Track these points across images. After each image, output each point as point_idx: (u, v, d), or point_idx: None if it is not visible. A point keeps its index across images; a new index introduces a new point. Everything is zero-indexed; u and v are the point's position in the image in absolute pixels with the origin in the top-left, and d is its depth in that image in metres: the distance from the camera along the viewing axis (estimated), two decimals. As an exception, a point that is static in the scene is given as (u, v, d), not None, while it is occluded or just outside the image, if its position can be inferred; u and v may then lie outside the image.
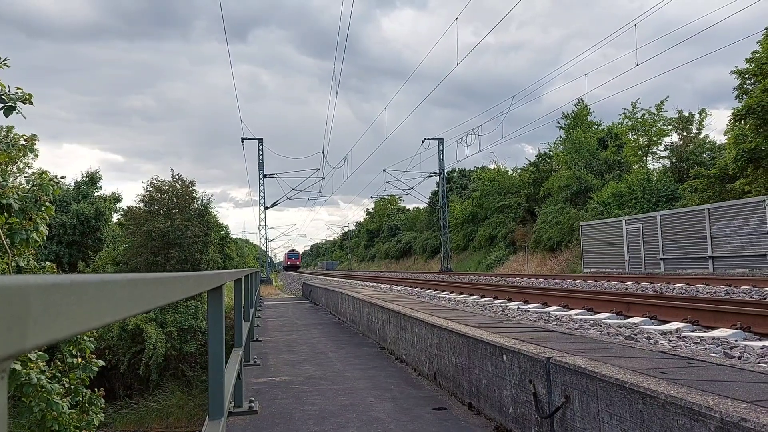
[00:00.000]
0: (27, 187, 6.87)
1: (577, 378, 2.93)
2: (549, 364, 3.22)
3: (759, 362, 3.71)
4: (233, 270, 4.05)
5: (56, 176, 7.83)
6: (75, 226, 32.02)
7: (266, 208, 49.60)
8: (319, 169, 49.28)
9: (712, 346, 4.33)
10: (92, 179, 35.72)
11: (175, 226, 25.06)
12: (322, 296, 16.27)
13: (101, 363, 7.38)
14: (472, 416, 4.23)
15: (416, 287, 14.25)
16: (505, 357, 3.81)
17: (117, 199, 36.43)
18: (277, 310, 16.05)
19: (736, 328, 4.89)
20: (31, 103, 6.69)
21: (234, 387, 4.43)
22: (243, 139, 47.49)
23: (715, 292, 9.39)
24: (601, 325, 5.84)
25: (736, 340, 4.43)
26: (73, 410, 6.60)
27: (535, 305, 8.15)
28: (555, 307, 7.66)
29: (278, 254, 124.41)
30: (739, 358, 3.89)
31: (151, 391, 21.40)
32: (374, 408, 4.58)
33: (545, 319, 6.65)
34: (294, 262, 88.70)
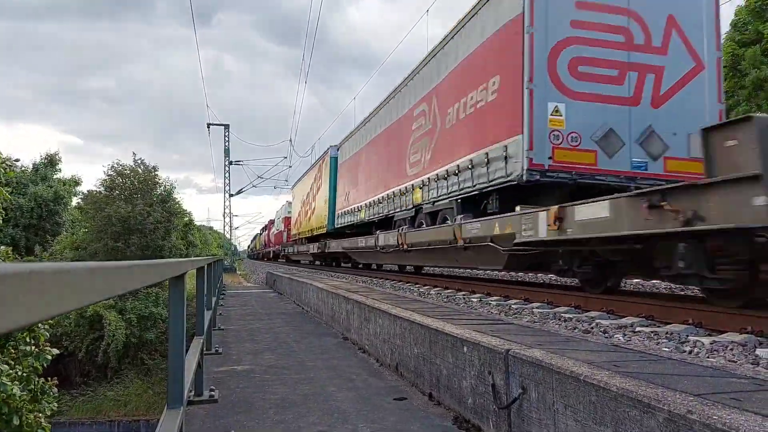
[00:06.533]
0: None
1: (534, 370, 3.00)
2: (508, 356, 3.29)
3: (708, 357, 3.85)
4: (196, 258, 4.02)
5: (10, 158, 7.60)
6: (33, 210, 31.16)
7: (231, 195, 49.05)
8: (286, 157, 48.84)
9: (664, 340, 4.47)
10: (51, 162, 34.76)
11: (136, 212, 24.61)
12: (287, 285, 16.21)
13: (55, 351, 7.24)
14: (432, 406, 4.29)
15: (381, 278, 14.31)
16: (465, 348, 3.87)
17: (77, 182, 35.55)
18: (240, 298, 15.93)
19: (689, 324, 5.05)
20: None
21: (194, 375, 4.40)
22: (209, 125, 46.80)
23: (671, 288, 9.66)
24: (559, 319, 5.97)
25: (688, 336, 4.58)
26: (23, 393, 6.46)
27: (497, 298, 8.26)
28: (516, 300, 7.79)
29: (242, 242, 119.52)
30: (690, 352, 4.03)
31: (109, 378, 21.06)
32: (335, 397, 4.61)
33: (506, 312, 6.76)
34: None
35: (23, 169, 32.04)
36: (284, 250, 37.58)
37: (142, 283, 1.81)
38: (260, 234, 68.50)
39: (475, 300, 8.24)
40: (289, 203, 37.78)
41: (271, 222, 52.15)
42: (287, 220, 37.21)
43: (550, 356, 3.02)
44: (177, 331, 2.32)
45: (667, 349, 4.12)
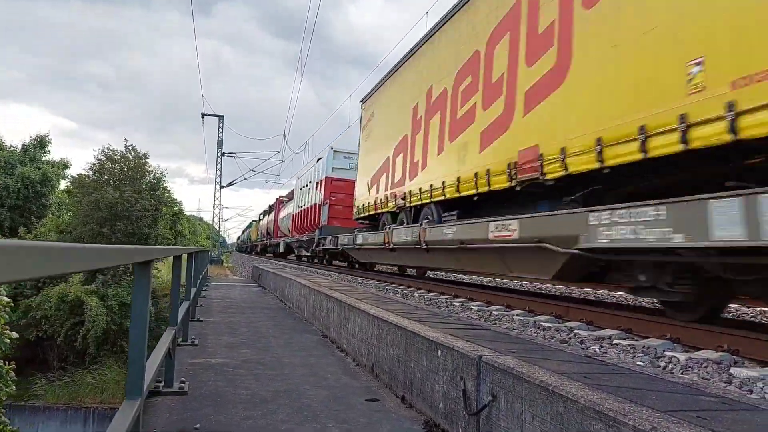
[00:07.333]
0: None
1: (505, 377, 2.96)
2: (480, 362, 3.25)
3: (682, 373, 3.84)
4: (173, 247, 3.95)
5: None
6: (19, 190, 30.88)
7: (222, 187, 48.93)
8: (279, 152, 48.66)
9: (640, 354, 4.46)
10: (41, 143, 34.43)
11: (124, 198, 24.44)
12: (271, 280, 16.14)
13: (14, 335, 7.14)
14: (404, 409, 4.25)
15: (366, 278, 14.27)
16: (439, 352, 3.83)
17: (66, 165, 35.24)
18: (224, 291, 15.84)
19: (666, 339, 5.04)
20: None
21: (164, 366, 4.35)
22: (203, 115, 46.67)
23: (653, 302, 9.69)
24: (538, 327, 5.96)
25: (664, 351, 4.57)
26: None
27: (479, 303, 8.24)
28: (497, 306, 7.77)
29: (232, 234, 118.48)
30: (665, 368, 4.02)
31: (87, 364, 20.88)
32: (308, 395, 4.56)
33: (486, 318, 6.74)
34: None
35: (12, 148, 31.76)
36: (326, 241, 18.20)
37: (108, 264, 1.77)
38: (258, 220, 52.00)
39: (457, 304, 8.22)
40: (339, 153, 21.30)
41: (281, 201, 36.56)
42: (332, 185, 20.71)
43: (521, 364, 2.99)
44: (139, 320, 2.26)
45: (641, 363, 4.10)
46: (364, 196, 15.13)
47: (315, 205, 22.63)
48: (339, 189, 20.56)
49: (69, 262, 1.29)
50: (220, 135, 47.29)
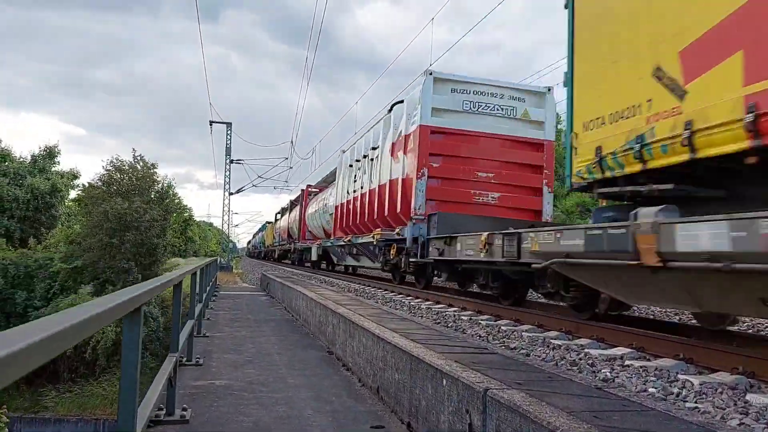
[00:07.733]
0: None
1: (512, 415, 2.86)
2: (486, 396, 3.15)
3: (696, 400, 3.71)
4: (170, 278, 3.85)
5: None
6: (29, 201, 31.05)
7: (231, 193, 49.03)
8: (287, 158, 48.61)
9: (653, 378, 4.33)
10: (50, 154, 34.65)
11: (133, 209, 24.49)
12: (279, 290, 16.08)
13: None
14: (410, 438, 4.15)
15: (374, 287, 14.16)
16: (444, 381, 3.73)
17: (75, 176, 35.42)
18: (232, 301, 15.80)
19: (679, 359, 4.90)
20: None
21: (166, 394, 4.27)
22: (211, 123, 46.82)
23: (666, 313, 9.53)
24: (548, 346, 5.83)
25: (677, 374, 4.44)
26: None
27: (487, 317, 8.11)
28: (506, 321, 7.64)
29: (242, 239, 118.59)
30: (678, 394, 3.89)
31: (97, 376, 20.90)
32: (311, 422, 4.47)
33: (494, 334, 6.62)
34: None
35: (21, 159, 31.96)
36: (457, 247, 9.12)
37: (85, 335, 1.68)
38: (275, 221, 44.21)
39: (465, 318, 8.10)
40: (445, 81, 11.65)
41: (309, 192, 28.02)
42: (433, 142, 11.46)
43: (528, 401, 2.88)
44: (129, 373, 2.16)
45: (654, 390, 3.98)
46: (631, 122, 5.18)
47: (393, 182, 13.04)
48: (445, 148, 11.76)
49: (32, 358, 1.16)
50: (228, 142, 47.46)
